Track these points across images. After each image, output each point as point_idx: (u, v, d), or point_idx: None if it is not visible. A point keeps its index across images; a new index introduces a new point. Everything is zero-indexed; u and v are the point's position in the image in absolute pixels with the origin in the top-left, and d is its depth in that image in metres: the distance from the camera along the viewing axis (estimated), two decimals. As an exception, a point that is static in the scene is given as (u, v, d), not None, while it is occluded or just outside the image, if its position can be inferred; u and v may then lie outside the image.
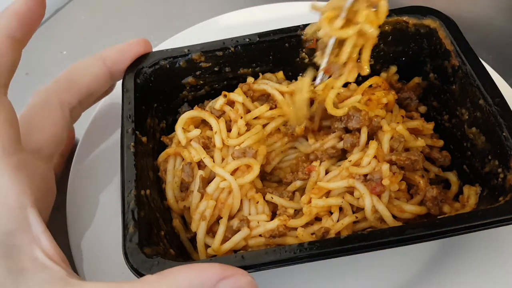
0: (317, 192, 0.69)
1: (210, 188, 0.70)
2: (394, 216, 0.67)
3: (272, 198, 0.71)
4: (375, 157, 0.70)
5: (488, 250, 0.68)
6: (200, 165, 0.74)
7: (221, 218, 0.70)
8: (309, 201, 0.69)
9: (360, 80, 0.84)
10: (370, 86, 0.80)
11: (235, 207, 0.70)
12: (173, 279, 0.50)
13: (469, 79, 0.70)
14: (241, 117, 0.76)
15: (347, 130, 0.76)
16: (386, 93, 0.78)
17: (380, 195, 0.67)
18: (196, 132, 0.75)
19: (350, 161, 0.70)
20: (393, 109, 0.79)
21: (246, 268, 0.56)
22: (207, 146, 0.75)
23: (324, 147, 0.75)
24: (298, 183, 0.73)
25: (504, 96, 0.66)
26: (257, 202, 0.70)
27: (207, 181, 0.72)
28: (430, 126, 0.77)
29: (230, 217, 0.70)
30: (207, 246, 0.69)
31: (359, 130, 0.73)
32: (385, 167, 0.68)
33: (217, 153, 0.74)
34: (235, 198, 0.69)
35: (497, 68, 0.71)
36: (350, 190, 0.69)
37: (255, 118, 0.78)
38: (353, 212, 0.69)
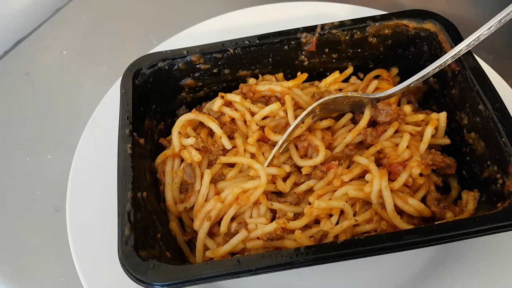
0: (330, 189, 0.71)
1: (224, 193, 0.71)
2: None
3: (272, 205, 0.71)
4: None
5: (486, 253, 0.68)
6: (200, 166, 0.74)
7: (221, 221, 0.70)
8: (318, 198, 0.69)
9: (362, 77, 0.84)
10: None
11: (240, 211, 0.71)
12: None
13: (468, 84, 0.69)
14: (245, 120, 0.77)
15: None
16: (390, 86, 0.78)
17: (397, 175, 0.68)
18: (190, 140, 0.74)
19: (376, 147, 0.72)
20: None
21: (241, 272, 0.56)
22: (207, 149, 0.75)
23: (346, 141, 0.74)
24: (311, 182, 0.73)
25: (504, 97, 0.66)
26: (260, 203, 0.71)
27: (214, 181, 0.73)
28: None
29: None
30: (205, 248, 0.69)
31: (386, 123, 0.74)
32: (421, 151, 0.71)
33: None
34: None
35: (497, 68, 0.70)
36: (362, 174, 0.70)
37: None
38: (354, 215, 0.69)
